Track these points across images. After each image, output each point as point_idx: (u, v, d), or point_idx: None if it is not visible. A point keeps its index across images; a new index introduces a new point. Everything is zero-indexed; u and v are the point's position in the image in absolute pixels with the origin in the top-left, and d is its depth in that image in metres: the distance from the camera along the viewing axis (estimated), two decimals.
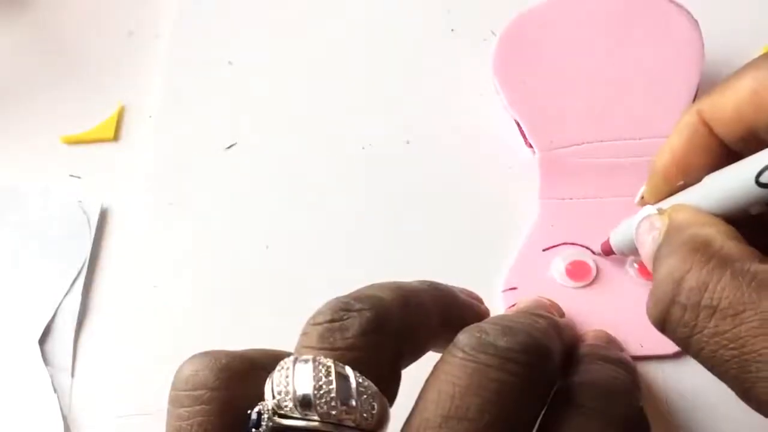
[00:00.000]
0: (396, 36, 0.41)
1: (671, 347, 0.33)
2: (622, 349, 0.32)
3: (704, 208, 0.26)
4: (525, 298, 0.34)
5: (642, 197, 0.30)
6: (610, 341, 0.32)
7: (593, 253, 0.35)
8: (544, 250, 0.35)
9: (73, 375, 0.36)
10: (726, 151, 0.27)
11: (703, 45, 0.35)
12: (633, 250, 0.30)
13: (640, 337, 0.33)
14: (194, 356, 0.24)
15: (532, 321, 0.25)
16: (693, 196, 0.27)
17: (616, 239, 0.33)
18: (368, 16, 0.42)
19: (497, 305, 0.34)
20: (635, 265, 0.34)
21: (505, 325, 0.23)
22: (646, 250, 0.27)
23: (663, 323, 0.24)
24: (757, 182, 0.25)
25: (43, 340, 0.37)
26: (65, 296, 0.37)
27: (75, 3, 0.44)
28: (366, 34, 0.42)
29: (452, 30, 0.41)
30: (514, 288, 0.35)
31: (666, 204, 0.28)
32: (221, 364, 0.23)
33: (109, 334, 0.37)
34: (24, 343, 0.36)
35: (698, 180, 0.27)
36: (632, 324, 0.33)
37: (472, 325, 0.24)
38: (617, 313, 0.34)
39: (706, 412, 0.32)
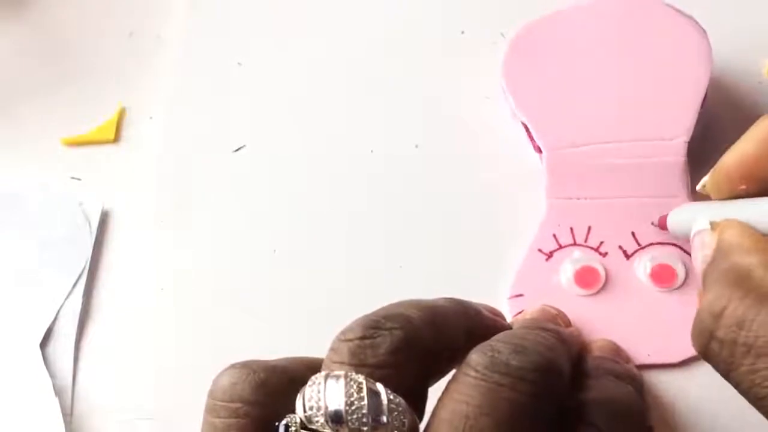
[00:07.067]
0: (405, 38, 0.41)
1: (678, 356, 0.33)
2: (628, 360, 0.33)
3: (760, 225, 0.26)
4: (531, 308, 0.34)
5: (704, 186, 0.30)
6: (617, 352, 0.32)
7: (601, 255, 0.35)
8: (551, 252, 0.35)
9: (74, 378, 0.36)
10: None
11: (710, 51, 0.36)
12: (685, 236, 0.30)
13: (648, 346, 0.33)
14: (233, 366, 0.24)
15: (542, 338, 0.25)
16: (751, 208, 0.27)
17: (673, 221, 0.32)
18: (378, 19, 0.42)
19: (503, 312, 0.34)
20: (648, 270, 0.34)
21: (517, 344, 0.24)
22: (697, 269, 0.27)
23: (705, 356, 0.24)
24: None
25: (44, 344, 0.36)
26: (66, 299, 0.37)
27: (75, 3, 0.44)
28: (375, 37, 0.42)
29: (462, 32, 0.41)
30: (521, 295, 0.35)
31: (720, 213, 0.28)
32: (259, 378, 0.23)
33: (111, 338, 0.36)
34: (25, 347, 0.36)
35: (762, 188, 0.27)
36: (640, 333, 0.33)
37: (483, 344, 0.24)
38: (625, 322, 0.34)
39: (713, 421, 0.32)
